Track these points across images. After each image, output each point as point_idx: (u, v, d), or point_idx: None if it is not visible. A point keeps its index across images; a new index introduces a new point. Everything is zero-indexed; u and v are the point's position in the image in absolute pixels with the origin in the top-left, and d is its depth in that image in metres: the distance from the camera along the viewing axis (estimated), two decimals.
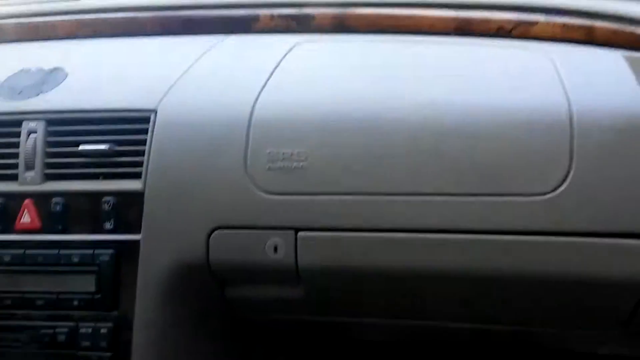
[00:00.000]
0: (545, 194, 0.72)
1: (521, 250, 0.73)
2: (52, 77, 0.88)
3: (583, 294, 0.76)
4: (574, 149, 0.72)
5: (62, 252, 0.80)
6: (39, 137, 0.81)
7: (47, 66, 0.90)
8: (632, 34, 0.85)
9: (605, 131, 0.72)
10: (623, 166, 0.71)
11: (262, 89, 0.81)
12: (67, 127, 0.82)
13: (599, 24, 0.88)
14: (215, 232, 0.77)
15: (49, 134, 0.82)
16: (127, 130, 0.80)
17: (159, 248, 0.78)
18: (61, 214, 0.80)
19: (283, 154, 0.75)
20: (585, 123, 0.73)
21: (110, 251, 0.79)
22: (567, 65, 0.81)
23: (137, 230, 0.78)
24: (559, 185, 0.72)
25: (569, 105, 0.74)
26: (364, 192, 0.74)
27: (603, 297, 0.76)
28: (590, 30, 0.88)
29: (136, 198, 0.78)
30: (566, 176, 0.72)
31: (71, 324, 0.81)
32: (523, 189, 0.72)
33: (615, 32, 0.86)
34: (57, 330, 0.81)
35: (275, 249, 0.76)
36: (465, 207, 0.73)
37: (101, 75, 0.90)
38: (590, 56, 0.85)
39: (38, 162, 0.81)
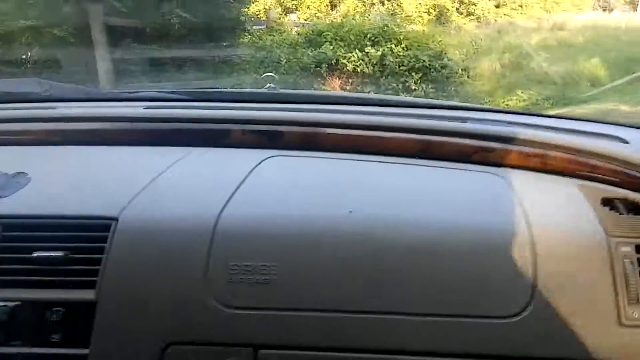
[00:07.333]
0: (508, 317, 0.71)
1: None
2: (14, 182, 0.86)
3: None
4: (537, 274, 0.73)
5: None
6: None
7: (11, 171, 0.88)
8: (585, 164, 0.90)
9: (563, 258, 0.74)
10: (581, 292, 0.72)
11: (228, 202, 0.81)
12: (22, 233, 0.79)
13: (553, 153, 0.93)
14: (170, 347, 0.72)
15: (3, 239, 0.78)
16: (85, 238, 0.78)
17: None
18: (5, 324, 0.75)
19: (246, 266, 0.74)
20: (546, 249, 0.74)
21: None
22: (525, 191, 0.84)
23: (85, 344, 0.73)
24: (523, 310, 0.72)
25: (530, 229, 0.76)
26: (329, 309, 0.72)
27: None
28: (545, 158, 0.92)
29: (88, 309, 0.74)
30: (529, 301, 0.72)
31: None
32: (487, 311, 0.72)
33: (569, 162, 0.91)
34: None
35: None
36: (430, 328, 0.72)
37: (66, 181, 0.89)
38: (546, 183, 0.89)
39: None
